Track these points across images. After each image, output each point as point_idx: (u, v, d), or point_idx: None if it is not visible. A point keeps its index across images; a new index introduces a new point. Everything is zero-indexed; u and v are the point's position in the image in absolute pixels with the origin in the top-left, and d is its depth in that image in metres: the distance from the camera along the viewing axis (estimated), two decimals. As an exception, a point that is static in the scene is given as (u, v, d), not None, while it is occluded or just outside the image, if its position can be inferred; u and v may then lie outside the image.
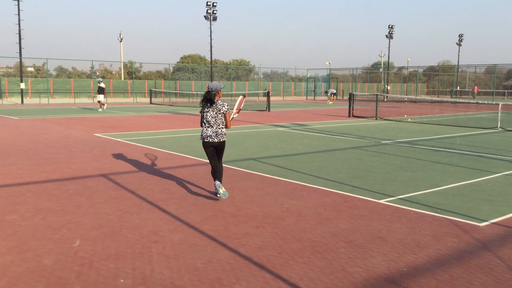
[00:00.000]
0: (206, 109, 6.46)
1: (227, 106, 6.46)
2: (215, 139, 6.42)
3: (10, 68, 68.86)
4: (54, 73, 61.66)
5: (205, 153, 6.63)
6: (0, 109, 27.91)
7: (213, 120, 6.41)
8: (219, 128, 6.44)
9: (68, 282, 3.75)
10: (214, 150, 6.54)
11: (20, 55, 37.20)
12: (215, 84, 6.46)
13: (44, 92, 41.87)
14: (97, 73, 58.74)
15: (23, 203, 6.16)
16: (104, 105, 27.31)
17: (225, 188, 7.13)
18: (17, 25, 36.25)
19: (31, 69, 67.88)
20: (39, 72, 63.70)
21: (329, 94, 43.91)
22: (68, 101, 41.33)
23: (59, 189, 6.99)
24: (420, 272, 4.04)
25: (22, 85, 37.56)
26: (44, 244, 4.65)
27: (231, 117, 6.72)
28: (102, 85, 27.07)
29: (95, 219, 5.48)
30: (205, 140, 6.47)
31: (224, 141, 6.53)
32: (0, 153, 10.46)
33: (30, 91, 42.68)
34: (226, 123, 6.48)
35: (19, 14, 36.25)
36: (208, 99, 6.41)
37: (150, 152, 10.78)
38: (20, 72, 39.28)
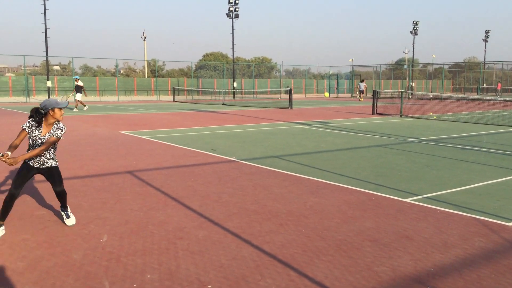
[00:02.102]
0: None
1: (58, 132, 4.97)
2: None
3: (37, 66, 70.43)
4: (79, 71, 62.73)
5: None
6: (29, 107, 28.54)
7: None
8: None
9: (96, 277, 3.83)
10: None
11: (47, 54, 37.96)
12: (46, 101, 4.94)
13: (70, 90, 42.66)
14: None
15: (52, 199, 6.29)
16: (83, 104, 25.55)
17: (246, 185, 7.15)
18: (43, 24, 37.00)
19: (57, 67, 69.27)
20: (65, 70, 64.94)
21: (359, 90, 43.09)
22: (93, 99, 41.96)
23: (86, 185, 7.12)
24: (447, 272, 3.98)
25: (49, 83, 38.36)
26: (72, 239, 4.75)
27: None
28: (80, 83, 25.46)
29: (122, 215, 5.57)
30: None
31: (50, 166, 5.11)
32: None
33: (56, 89, 43.55)
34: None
35: (45, 14, 36.98)
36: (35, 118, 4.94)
37: (174, 149, 10.89)
38: (47, 70, 40.11)
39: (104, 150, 10.66)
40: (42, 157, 5.02)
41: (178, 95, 45.60)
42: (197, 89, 48.03)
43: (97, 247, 4.52)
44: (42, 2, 36.71)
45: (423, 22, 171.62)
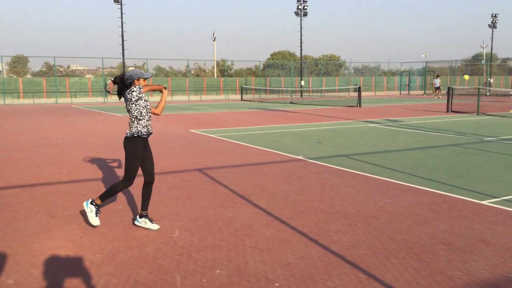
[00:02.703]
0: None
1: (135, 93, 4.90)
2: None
3: (114, 68, 74.28)
4: (153, 72, 65.36)
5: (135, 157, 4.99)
6: (105, 107, 30.15)
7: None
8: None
9: (168, 270, 3.98)
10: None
11: (123, 56, 39.88)
12: (131, 71, 5.02)
13: (143, 90, 44.47)
14: (192, 72, 61.13)
15: (127, 194, 6.62)
16: None
17: (314, 184, 7.10)
18: (120, 28, 38.90)
19: (132, 68, 72.62)
20: (140, 71, 67.86)
21: (435, 86, 41.42)
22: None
23: (159, 181, 7.41)
24: (529, 280, 3.74)
25: (125, 84, 40.25)
26: (146, 233, 4.97)
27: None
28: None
29: (192, 211, 5.74)
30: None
31: (125, 137, 5.04)
32: (108, 148, 11.32)
33: (131, 89, 45.61)
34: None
35: (121, 18, 38.87)
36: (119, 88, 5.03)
37: (242, 147, 11.05)
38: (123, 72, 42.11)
39: (176, 148, 11.04)
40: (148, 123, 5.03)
41: (246, 94, 46.16)
42: (264, 88, 48.36)
43: (169, 241, 4.70)
44: (119, 7, 38.62)
45: (502, 15, 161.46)
